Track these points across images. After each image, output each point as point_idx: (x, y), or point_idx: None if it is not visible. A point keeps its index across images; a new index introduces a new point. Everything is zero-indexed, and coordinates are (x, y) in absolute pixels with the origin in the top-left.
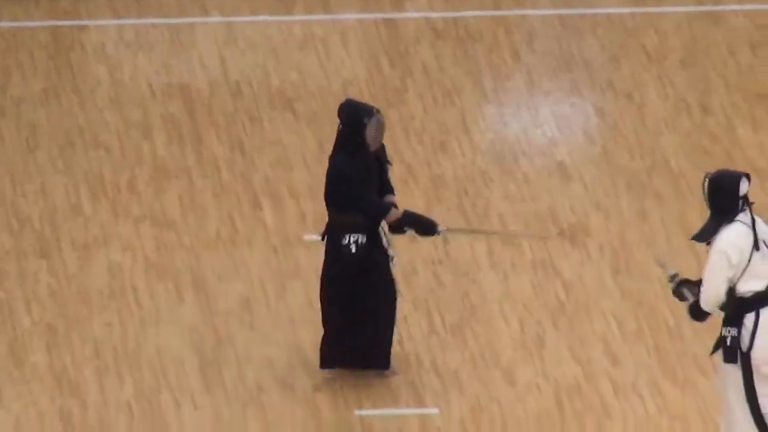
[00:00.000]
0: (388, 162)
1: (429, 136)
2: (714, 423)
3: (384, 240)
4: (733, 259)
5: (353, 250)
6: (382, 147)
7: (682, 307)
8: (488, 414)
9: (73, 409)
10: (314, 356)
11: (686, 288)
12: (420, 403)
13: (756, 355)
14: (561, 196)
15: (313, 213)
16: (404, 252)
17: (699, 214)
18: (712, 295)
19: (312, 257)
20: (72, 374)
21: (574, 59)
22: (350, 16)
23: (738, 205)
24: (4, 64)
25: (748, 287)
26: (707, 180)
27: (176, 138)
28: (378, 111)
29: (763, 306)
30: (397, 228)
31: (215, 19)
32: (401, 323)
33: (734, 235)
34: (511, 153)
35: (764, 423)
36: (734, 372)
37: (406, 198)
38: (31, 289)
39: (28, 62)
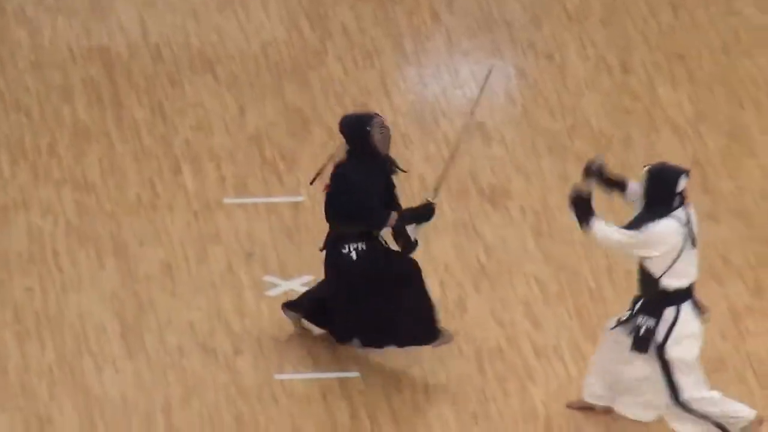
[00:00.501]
0: (401, 170)
1: (350, 98)
2: None
3: (383, 240)
4: (653, 251)
5: (354, 258)
6: (392, 160)
7: (604, 270)
8: (409, 377)
9: None
10: (235, 320)
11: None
12: (341, 366)
13: (670, 349)
14: (482, 158)
15: (233, 177)
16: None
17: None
18: (603, 244)
19: (232, 222)
20: None
21: (494, 20)
22: None
23: (674, 200)
24: None
25: (672, 282)
26: (647, 172)
27: (96, 101)
28: (377, 114)
29: (683, 301)
30: (400, 232)
31: None
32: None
33: (664, 230)
34: (431, 114)
35: (688, 400)
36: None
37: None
38: None
39: None
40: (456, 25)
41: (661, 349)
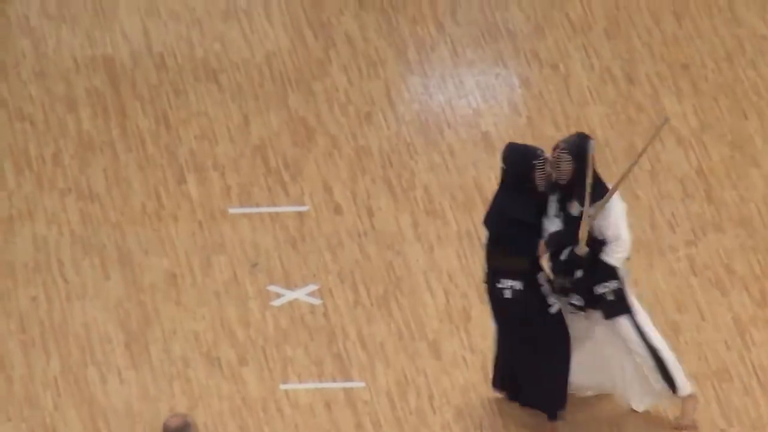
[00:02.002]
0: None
1: (354, 108)
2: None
3: (544, 289)
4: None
5: (507, 296)
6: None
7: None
8: (414, 387)
9: None
10: (240, 330)
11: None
12: (346, 376)
13: (632, 299)
14: (486, 168)
15: (237, 186)
16: (328, 224)
17: (624, 185)
18: (629, 245)
19: (237, 231)
20: None
21: (498, 30)
22: None
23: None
24: None
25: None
26: (565, 152)
27: (101, 111)
28: (543, 151)
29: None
30: (554, 256)
31: None
32: (326, 296)
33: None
34: (436, 124)
35: (658, 350)
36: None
37: (331, 170)
38: None
39: None
40: (460, 35)
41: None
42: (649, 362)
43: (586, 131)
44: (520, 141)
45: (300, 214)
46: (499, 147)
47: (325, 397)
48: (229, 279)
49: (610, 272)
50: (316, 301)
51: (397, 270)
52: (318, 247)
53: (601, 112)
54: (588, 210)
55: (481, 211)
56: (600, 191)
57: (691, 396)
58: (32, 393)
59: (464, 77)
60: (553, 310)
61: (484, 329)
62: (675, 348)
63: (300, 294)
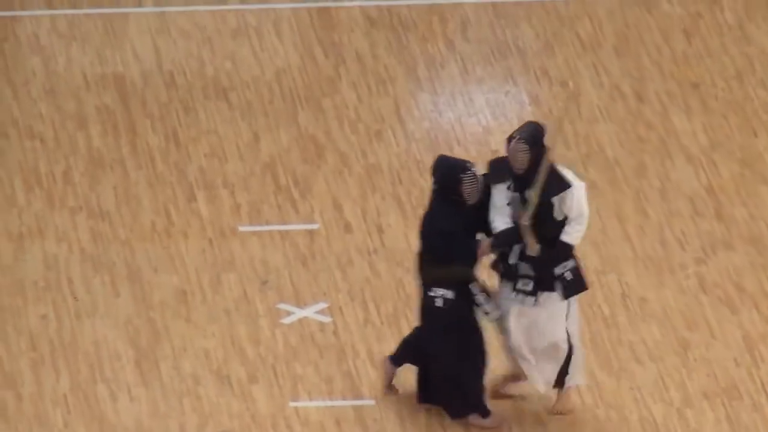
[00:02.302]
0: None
1: (364, 125)
2: (648, 410)
3: (478, 299)
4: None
5: (438, 304)
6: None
7: (618, 297)
8: (425, 405)
9: (8, 401)
10: (250, 347)
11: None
12: (356, 394)
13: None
14: None
15: (247, 204)
16: (338, 242)
17: (634, 204)
18: (585, 227)
19: (247, 249)
20: (7, 366)
21: (508, 47)
22: (283, 6)
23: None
24: None
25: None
26: (522, 142)
27: (111, 129)
28: (472, 165)
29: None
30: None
31: (148, 9)
32: (336, 314)
33: (570, 172)
34: (445, 142)
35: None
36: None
37: (341, 188)
38: None
39: None
40: (470, 53)
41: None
42: (562, 354)
43: (596, 149)
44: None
45: (310, 231)
46: None
47: (335, 415)
48: (239, 297)
49: (567, 252)
50: (326, 319)
51: (407, 287)
52: (328, 265)
53: (611, 130)
54: (528, 212)
55: None
56: (556, 179)
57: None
58: (42, 411)
59: (474, 95)
60: (492, 317)
61: (493, 348)
62: (684, 365)
63: (310, 312)
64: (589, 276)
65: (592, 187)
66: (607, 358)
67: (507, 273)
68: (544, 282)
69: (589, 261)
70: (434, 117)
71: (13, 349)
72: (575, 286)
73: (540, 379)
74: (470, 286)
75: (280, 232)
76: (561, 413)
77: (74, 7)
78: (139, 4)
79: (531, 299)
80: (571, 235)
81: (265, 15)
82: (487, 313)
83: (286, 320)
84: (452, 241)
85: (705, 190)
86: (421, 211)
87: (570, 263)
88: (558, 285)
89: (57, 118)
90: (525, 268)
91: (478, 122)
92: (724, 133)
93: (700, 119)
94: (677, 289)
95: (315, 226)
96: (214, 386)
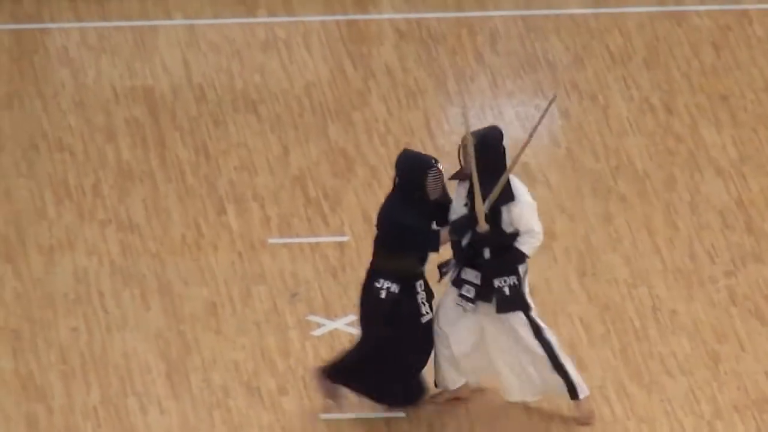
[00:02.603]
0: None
1: (393, 138)
2: (679, 423)
3: (420, 297)
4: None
5: (382, 296)
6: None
7: (648, 310)
8: (454, 417)
9: (39, 414)
10: (280, 359)
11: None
12: (387, 407)
13: (529, 299)
14: None
15: (277, 217)
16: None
17: (664, 216)
18: (539, 240)
19: (277, 261)
20: (38, 379)
21: (537, 60)
22: (313, 18)
23: (505, 158)
24: None
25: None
26: (474, 146)
27: (140, 141)
28: (436, 161)
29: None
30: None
31: (178, 21)
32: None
33: (521, 186)
34: None
35: (552, 347)
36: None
37: (370, 200)
38: None
39: None
40: (500, 66)
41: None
42: (545, 361)
43: (626, 162)
44: (559, 173)
45: (340, 244)
46: (540, 178)
47: (365, 427)
48: (269, 309)
49: (511, 268)
50: (357, 331)
51: (437, 300)
52: (358, 277)
53: (640, 143)
54: (480, 195)
55: None
56: (505, 189)
57: (587, 397)
58: (72, 423)
59: (504, 108)
60: (425, 320)
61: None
62: (715, 378)
63: (340, 324)
64: (620, 289)
65: (621, 200)
66: (637, 370)
67: (461, 256)
68: (484, 292)
69: (619, 273)
70: (464, 130)
71: (44, 361)
72: (510, 302)
73: (514, 388)
74: (416, 283)
75: (310, 244)
76: (586, 423)
77: (104, 19)
78: (169, 17)
79: (471, 305)
80: (523, 245)
81: (294, 28)
82: (422, 315)
83: (317, 332)
84: (408, 234)
85: (735, 202)
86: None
87: (511, 279)
88: (495, 298)
89: (86, 130)
90: (471, 275)
91: (507, 135)
92: (754, 146)
93: (729, 132)
94: (707, 302)
95: (345, 239)
96: (244, 398)
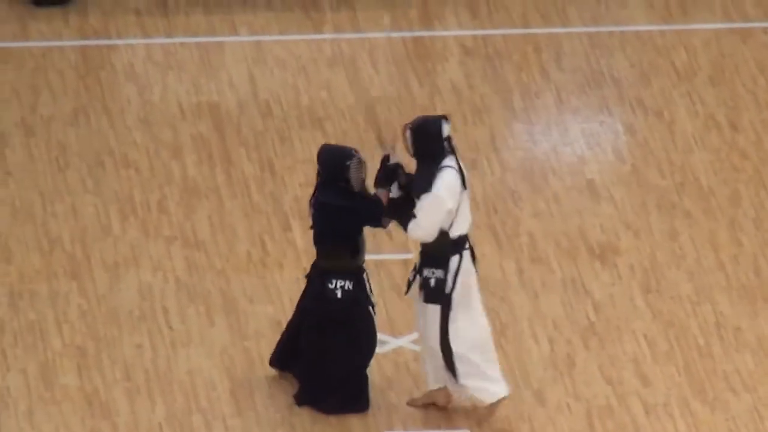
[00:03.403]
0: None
1: (458, 155)
2: None
3: (368, 287)
4: (449, 205)
5: (339, 296)
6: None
7: (712, 326)
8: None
9: (104, 431)
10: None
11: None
12: (450, 423)
13: (455, 296)
14: (591, 215)
15: None
16: None
17: (728, 233)
18: (421, 235)
19: None
20: (103, 396)
21: (603, 77)
22: (378, 35)
23: (444, 148)
24: (34, 84)
25: (456, 230)
26: (409, 130)
27: (206, 158)
28: (356, 151)
29: (464, 248)
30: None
31: (244, 38)
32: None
33: (450, 182)
34: (540, 171)
35: (450, 348)
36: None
37: None
38: (62, 310)
39: (57, 82)
40: (565, 82)
41: (448, 297)
42: (437, 358)
43: (691, 179)
44: (624, 189)
45: (405, 261)
46: (605, 195)
47: None
48: None
49: (442, 262)
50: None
51: (502, 317)
52: None
53: (706, 159)
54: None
55: (586, 259)
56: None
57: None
58: None
59: (569, 124)
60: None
61: (588, 376)
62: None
63: (404, 341)
64: (684, 305)
65: (686, 216)
66: (701, 387)
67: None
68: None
69: (683, 290)
70: (529, 146)
71: (109, 378)
72: (434, 295)
73: (429, 375)
74: (364, 275)
75: (374, 261)
76: (430, 404)
77: (169, 36)
78: (235, 33)
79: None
80: (406, 223)
81: (360, 44)
82: (371, 305)
83: (381, 349)
84: (347, 212)
85: None
86: (516, 241)
87: (438, 272)
88: (423, 287)
89: (152, 146)
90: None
91: (572, 152)
92: None
93: None
94: None
95: (409, 256)
96: (308, 416)
